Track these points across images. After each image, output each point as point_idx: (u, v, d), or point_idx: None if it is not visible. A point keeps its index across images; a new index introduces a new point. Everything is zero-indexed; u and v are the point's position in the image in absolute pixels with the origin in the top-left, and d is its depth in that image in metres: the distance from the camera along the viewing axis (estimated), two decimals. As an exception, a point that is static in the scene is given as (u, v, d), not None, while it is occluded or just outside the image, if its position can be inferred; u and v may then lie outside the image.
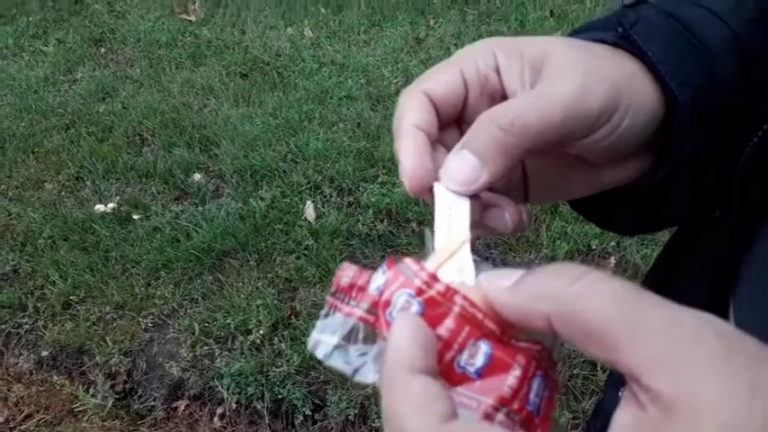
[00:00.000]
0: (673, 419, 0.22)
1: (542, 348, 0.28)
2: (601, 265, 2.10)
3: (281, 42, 3.29)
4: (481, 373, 0.27)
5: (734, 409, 0.21)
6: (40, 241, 2.28)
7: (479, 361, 0.27)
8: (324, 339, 0.30)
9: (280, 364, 1.86)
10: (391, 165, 2.45)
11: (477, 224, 0.35)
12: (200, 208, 2.36)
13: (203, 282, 2.11)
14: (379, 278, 0.30)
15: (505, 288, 0.26)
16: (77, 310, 2.08)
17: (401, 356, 0.26)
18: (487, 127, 0.33)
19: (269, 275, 2.10)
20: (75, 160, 2.62)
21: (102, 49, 3.38)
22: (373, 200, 2.30)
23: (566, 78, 0.33)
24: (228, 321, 1.96)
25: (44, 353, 2.00)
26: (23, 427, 1.84)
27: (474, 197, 0.34)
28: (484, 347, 0.27)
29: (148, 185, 2.49)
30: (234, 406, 1.81)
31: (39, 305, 2.11)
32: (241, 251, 2.18)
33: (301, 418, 1.77)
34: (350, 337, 0.29)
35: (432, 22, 3.37)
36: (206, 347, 1.93)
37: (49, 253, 2.23)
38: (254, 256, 2.17)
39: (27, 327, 2.06)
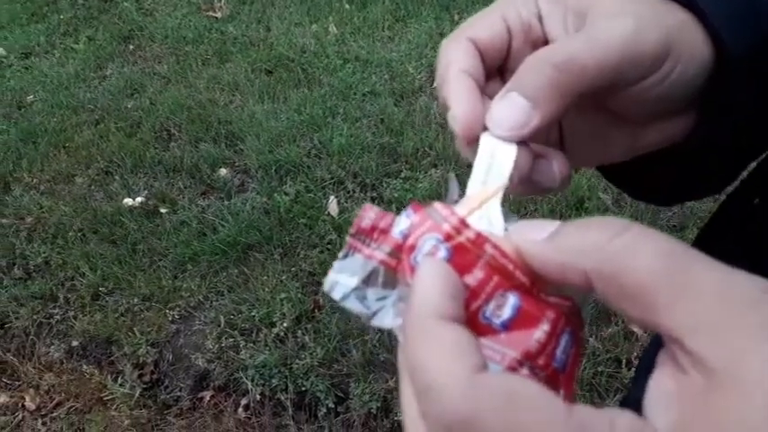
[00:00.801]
0: (719, 387, 0.20)
1: (572, 305, 0.27)
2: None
3: (305, 39, 3.31)
4: (508, 326, 0.25)
5: None
6: (70, 234, 2.33)
7: (507, 313, 0.25)
8: (342, 280, 0.28)
9: (303, 356, 1.88)
10: (414, 160, 2.46)
11: (524, 178, 0.33)
12: (225, 202, 2.39)
13: (229, 275, 2.14)
14: (402, 222, 0.28)
15: (541, 240, 0.25)
16: (106, 302, 2.12)
17: (429, 303, 0.24)
18: (539, 66, 0.31)
19: (293, 269, 2.13)
20: (105, 155, 2.67)
21: (131, 47, 3.44)
22: (396, 195, 2.31)
23: (617, 21, 0.32)
24: (253, 314, 1.99)
25: (74, 343, 2.04)
26: (54, 414, 1.89)
27: (522, 145, 0.32)
28: (512, 299, 0.26)
29: (175, 180, 2.53)
30: (258, 397, 1.84)
31: (69, 296, 2.16)
32: (266, 245, 2.21)
33: (324, 410, 1.79)
34: (369, 279, 0.28)
35: (456, 18, 3.36)
36: (231, 339, 1.96)
37: (79, 245, 2.28)
38: (279, 249, 2.19)
39: (58, 317, 2.11)
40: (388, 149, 2.52)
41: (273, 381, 1.85)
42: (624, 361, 1.79)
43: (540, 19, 0.35)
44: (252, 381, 1.85)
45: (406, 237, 0.28)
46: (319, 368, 1.86)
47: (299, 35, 3.35)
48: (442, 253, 0.26)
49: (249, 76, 3.06)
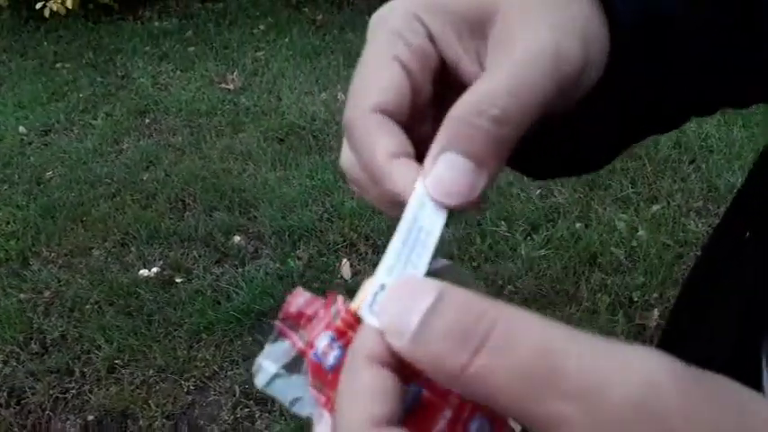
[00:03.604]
0: None
1: None
2: (644, 318, 2.06)
3: (315, 107, 3.40)
4: (410, 414, 0.24)
5: None
6: (87, 307, 2.35)
7: (407, 402, 0.24)
8: (265, 366, 0.28)
9: (320, 425, 1.85)
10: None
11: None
12: (239, 269, 2.41)
13: (243, 343, 2.14)
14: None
15: (406, 340, 0.22)
16: (122, 374, 2.11)
17: (366, 343, 0.23)
18: (475, 122, 0.26)
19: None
20: (121, 227, 2.72)
21: (147, 120, 3.55)
22: (409, 257, 2.32)
23: (533, 39, 0.27)
24: (268, 383, 1.97)
25: (90, 417, 2.03)
26: (69, 493, 1.86)
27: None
28: (413, 388, 0.24)
29: (190, 249, 2.56)
30: (274, 469, 1.80)
31: (85, 370, 2.15)
32: (279, 311, 2.21)
33: (342, 481, 1.74)
34: (293, 366, 0.27)
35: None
36: (246, 410, 1.94)
37: (95, 318, 2.30)
38: (293, 316, 2.19)
39: (74, 392, 2.10)
40: (399, 212, 2.54)
41: (290, 452, 1.81)
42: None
43: (431, 39, 0.29)
44: (268, 452, 1.82)
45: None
46: (336, 437, 1.82)
47: (308, 103, 3.44)
48: (336, 352, 0.25)
49: (261, 144, 3.14)
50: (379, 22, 0.30)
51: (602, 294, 2.12)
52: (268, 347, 0.28)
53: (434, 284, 0.22)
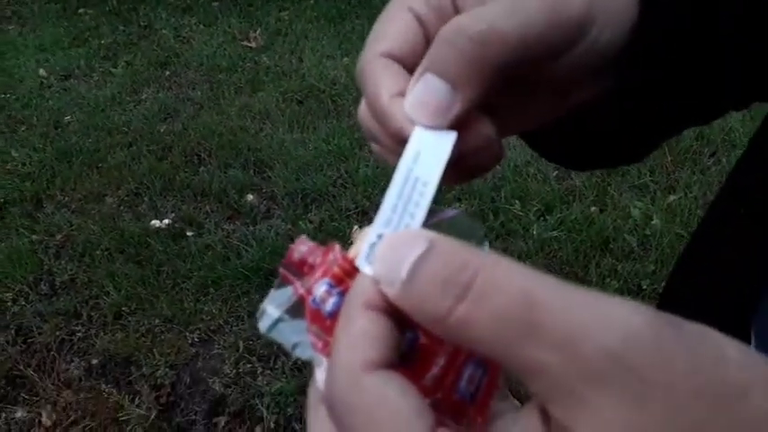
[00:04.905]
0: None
1: None
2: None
3: (336, 71, 3.36)
4: (406, 360, 0.25)
5: None
6: (97, 252, 2.36)
7: (404, 348, 0.24)
8: (269, 311, 0.28)
9: (320, 386, 1.87)
10: (438, 194, 2.46)
11: (456, 165, 0.29)
12: (251, 228, 2.41)
13: (250, 300, 2.15)
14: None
15: (397, 285, 0.22)
16: (128, 321, 2.14)
17: (361, 290, 0.24)
18: (454, 40, 0.27)
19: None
20: (135, 176, 2.72)
21: (167, 72, 3.53)
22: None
23: None
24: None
25: (94, 361, 2.06)
26: (70, 432, 1.90)
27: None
28: (409, 335, 0.25)
29: (203, 204, 2.56)
30: (272, 425, 1.82)
31: (92, 314, 2.18)
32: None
33: (339, 442, 1.77)
34: (295, 311, 0.28)
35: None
36: (249, 365, 1.96)
37: (105, 264, 2.32)
38: (301, 277, 2.20)
39: (80, 335, 2.13)
40: (413, 182, 2.53)
41: (289, 409, 1.83)
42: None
43: None
44: (267, 408, 1.84)
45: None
46: (336, 399, 1.84)
47: (330, 67, 3.41)
48: (334, 299, 0.26)
49: (280, 105, 3.12)
50: None
51: (611, 280, 2.11)
52: (272, 293, 0.28)
53: (425, 235, 0.23)
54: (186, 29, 3.96)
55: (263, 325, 0.28)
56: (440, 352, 0.25)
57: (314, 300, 0.26)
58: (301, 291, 0.28)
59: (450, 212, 0.29)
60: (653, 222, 2.32)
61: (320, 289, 0.26)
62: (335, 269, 0.26)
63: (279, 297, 0.28)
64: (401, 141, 0.28)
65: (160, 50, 3.72)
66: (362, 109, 0.32)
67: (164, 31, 3.91)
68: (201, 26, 3.98)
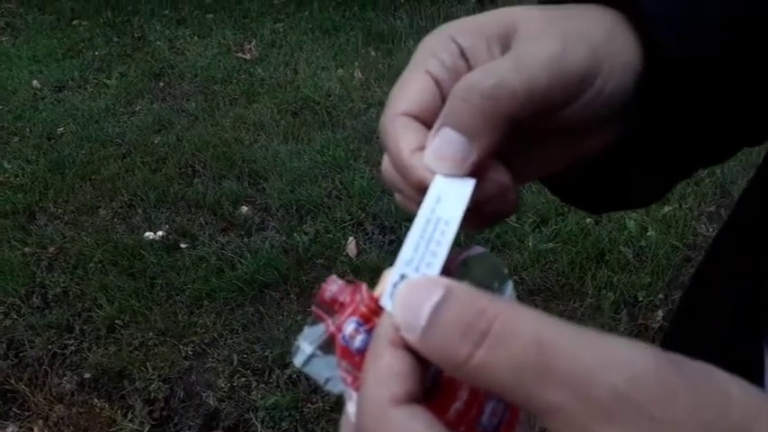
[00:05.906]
0: None
1: None
2: (648, 318, 2.05)
3: (331, 83, 3.37)
4: (431, 394, 0.26)
5: None
6: (90, 265, 2.35)
7: (427, 383, 0.26)
8: (303, 347, 0.30)
9: (315, 400, 1.85)
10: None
11: (474, 212, 0.31)
12: (245, 239, 2.40)
13: (244, 313, 2.13)
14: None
15: (417, 333, 0.24)
16: (121, 335, 2.12)
17: (386, 328, 0.26)
18: (467, 96, 0.29)
19: (308, 309, 2.11)
20: (129, 188, 2.71)
21: (161, 84, 3.52)
22: (416, 240, 2.31)
23: (542, 42, 0.30)
24: (266, 354, 1.97)
25: (87, 375, 2.03)
26: (62, 447, 1.87)
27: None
28: (433, 371, 0.26)
29: (197, 216, 2.55)
30: (267, 440, 1.81)
31: (85, 327, 2.16)
32: (282, 284, 2.21)
33: (334, 456, 1.75)
34: (326, 347, 0.30)
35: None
36: (243, 379, 1.94)
37: (98, 277, 2.30)
38: (295, 289, 2.19)
39: (72, 348, 2.11)
40: (408, 194, 2.53)
41: (284, 424, 1.82)
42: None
43: (463, 55, 0.32)
44: (262, 422, 1.82)
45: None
46: (331, 413, 1.82)
47: (325, 79, 3.41)
48: (362, 336, 0.28)
49: (275, 116, 3.12)
50: (421, 46, 0.33)
51: (606, 291, 2.11)
52: (306, 330, 0.30)
53: (442, 282, 0.24)
54: (180, 40, 3.96)
55: (297, 360, 0.30)
56: (462, 386, 0.26)
57: (343, 337, 0.28)
58: (332, 328, 0.29)
59: (477, 249, 0.30)
60: (648, 234, 2.32)
61: (349, 327, 0.28)
62: (362, 308, 0.28)
63: (312, 334, 0.30)
64: (422, 191, 0.30)
65: (154, 62, 3.71)
66: (386, 163, 0.34)
67: (158, 43, 3.91)
68: (196, 38, 3.99)
